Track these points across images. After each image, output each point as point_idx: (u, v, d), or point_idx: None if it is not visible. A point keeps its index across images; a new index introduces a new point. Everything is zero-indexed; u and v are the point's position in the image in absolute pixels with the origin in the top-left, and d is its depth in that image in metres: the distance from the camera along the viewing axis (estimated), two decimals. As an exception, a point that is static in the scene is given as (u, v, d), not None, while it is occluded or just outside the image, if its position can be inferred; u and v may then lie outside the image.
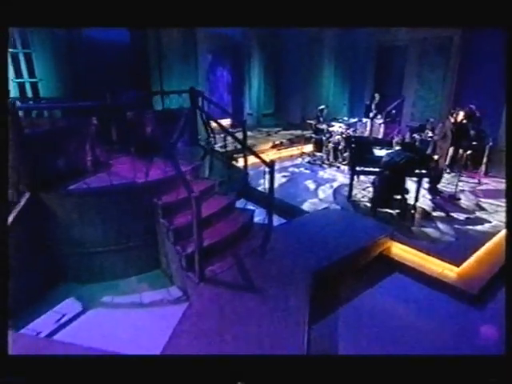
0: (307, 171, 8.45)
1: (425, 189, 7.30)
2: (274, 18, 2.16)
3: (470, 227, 5.90)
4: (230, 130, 11.62)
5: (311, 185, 7.59)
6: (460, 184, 7.12)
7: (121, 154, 5.57)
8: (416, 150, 6.50)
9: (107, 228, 4.43)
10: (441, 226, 5.94)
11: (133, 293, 4.16)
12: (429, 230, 5.76)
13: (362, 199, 6.86)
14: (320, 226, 5.47)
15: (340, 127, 9.09)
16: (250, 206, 5.88)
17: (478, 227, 5.90)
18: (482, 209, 6.65)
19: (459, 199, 7.02)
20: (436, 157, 6.79)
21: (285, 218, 6.45)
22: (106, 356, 1.87)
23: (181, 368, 1.62)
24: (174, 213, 4.59)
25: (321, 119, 9.29)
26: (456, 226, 5.91)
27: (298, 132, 10.55)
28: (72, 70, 6.84)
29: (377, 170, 6.15)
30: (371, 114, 9.40)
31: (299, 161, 9.13)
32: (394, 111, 9.38)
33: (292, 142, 10.07)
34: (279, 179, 7.94)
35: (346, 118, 9.36)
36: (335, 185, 7.54)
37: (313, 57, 10.98)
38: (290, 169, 8.58)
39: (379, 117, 9.54)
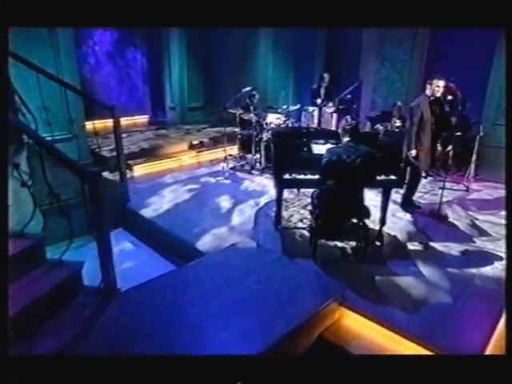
0: (227, 181, 5.93)
1: (395, 203, 4.95)
2: (274, 18, 2.15)
3: (473, 271, 3.55)
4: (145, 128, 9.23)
5: (226, 203, 5.07)
6: (444, 193, 4.81)
7: None
8: (379, 142, 4.12)
9: None
10: (424, 269, 3.56)
11: None
12: (405, 282, 3.36)
13: (301, 224, 4.41)
14: (203, 289, 2.94)
15: (278, 118, 6.68)
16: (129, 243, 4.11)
17: (486, 270, 3.56)
18: (482, 232, 4.35)
19: (446, 217, 4.70)
20: (413, 153, 4.43)
21: (171, 259, 3.98)
22: (105, 356, 1.83)
23: (180, 368, 1.60)
24: None
25: (251, 108, 6.83)
26: (449, 270, 3.55)
27: (233, 129, 8.03)
28: None
29: (315, 177, 3.71)
30: (319, 101, 7.06)
31: (222, 166, 6.60)
32: (348, 96, 7.08)
33: (216, 142, 7.56)
34: (181, 195, 5.37)
35: (284, 106, 6.96)
36: (263, 201, 5.05)
37: (245, 32, 8.52)
38: (204, 178, 6.04)
39: (330, 104, 7.20)
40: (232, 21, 2.24)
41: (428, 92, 4.42)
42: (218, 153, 7.22)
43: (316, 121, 7.18)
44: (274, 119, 6.68)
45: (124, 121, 9.49)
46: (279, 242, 3.97)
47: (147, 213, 4.75)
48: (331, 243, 3.89)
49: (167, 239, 4.26)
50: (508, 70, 2.04)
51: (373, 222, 4.23)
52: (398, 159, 3.92)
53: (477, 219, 4.66)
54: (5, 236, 1.72)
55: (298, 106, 6.99)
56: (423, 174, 5.89)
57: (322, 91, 7.34)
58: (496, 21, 1.94)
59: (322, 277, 3.30)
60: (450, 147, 5.93)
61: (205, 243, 3.98)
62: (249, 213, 4.73)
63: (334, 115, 7.21)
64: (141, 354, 2.02)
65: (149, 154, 6.85)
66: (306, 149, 4.02)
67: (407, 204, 4.84)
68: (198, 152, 7.30)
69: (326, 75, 7.25)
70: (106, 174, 5.40)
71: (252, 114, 6.32)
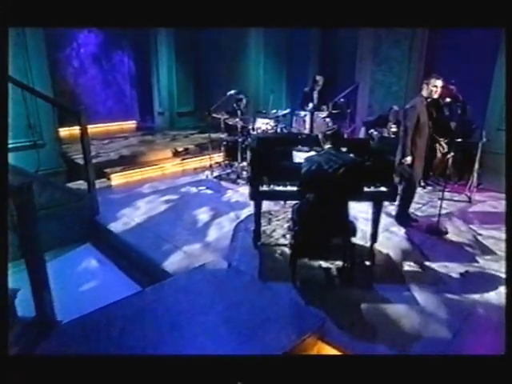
0: (210, 191, 5.52)
1: (389, 216, 4.53)
2: (268, 18, 2.13)
3: (475, 297, 3.10)
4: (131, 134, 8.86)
5: (204, 215, 4.65)
6: (443, 204, 4.38)
7: None
8: (370, 149, 3.70)
9: None
10: (419, 295, 3.11)
11: None
12: (396, 311, 2.92)
13: (283, 240, 3.98)
14: (161, 319, 2.51)
15: (267, 124, 6.28)
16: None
17: (490, 296, 3.12)
18: (486, 250, 3.91)
19: (445, 232, 4.26)
20: (408, 159, 4.00)
21: (139, 279, 3.58)
22: (105, 356, 1.89)
23: (180, 368, 1.60)
24: None
25: (238, 113, 6.44)
26: (447, 296, 3.10)
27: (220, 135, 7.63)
28: None
29: (294, 189, 3.29)
30: (310, 105, 6.62)
31: (206, 175, 6.19)
32: (342, 100, 6.67)
33: (203, 149, 7.16)
34: (157, 206, 4.96)
35: (274, 111, 6.55)
36: (245, 214, 4.63)
37: (235, 33, 8.14)
38: (185, 188, 5.62)
39: (323, 108, 6.79)
40: (224, 20, 2.19)
41: (424, 93, 4.00)
42: (204, 160, 6.81)
43: (308, 126, 6.73)
44: (262, 124, 6.32)
45: (110, 126, 9.33)
46: (256, 261, 3.55)
47: (116, 227, 4.34)
48: (315, 263, 3.46)
49: (134, 257, 3.84)
50: (508, 71, 2.03)
51: (363, 238, 3.82)
52: (389, 168, 3.48)
53: (480, 235, 4.22)
54: (4, 236, 1.75)
55: (287, 111, 6.58)
56: (422, 184, 5.51)
57: (315, 95, 6.89)
58: (496, 21, 1.94)
59: (299, 305, 2.87)
60: (450, 154, 5.48)
61: (173, 262, 3.56)
62: (228, 227, 4.31)
63: (328, 120, 6.78)
64: (141, 354, 2.00)
65: (129, 161, 6.46)
66: (287, 157, 3.59)
67: (402, 217, 4.40)
68: (183, 159, 6.91)
69: (319, 78, 6.80)
70: (80, 182, 5.02)
71: (238, 119, 5.89)
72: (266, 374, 1.66)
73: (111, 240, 4.24)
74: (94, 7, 1.97)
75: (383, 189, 3.41)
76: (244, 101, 6.41)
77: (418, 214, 4.74)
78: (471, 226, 4.45)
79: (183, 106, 9.58)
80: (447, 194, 5.29)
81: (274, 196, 3.56)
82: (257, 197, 3.48)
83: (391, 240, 4.05)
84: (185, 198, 5.27)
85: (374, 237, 3.72)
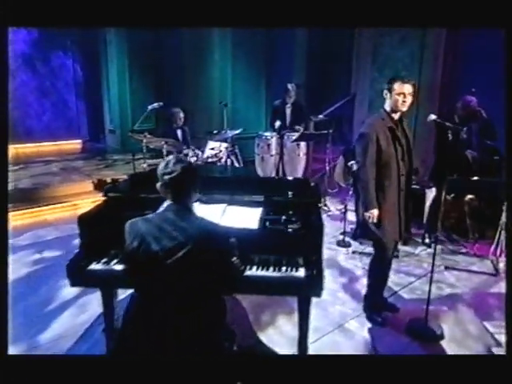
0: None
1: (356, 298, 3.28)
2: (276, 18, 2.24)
3: None
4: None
5: (71, 290, 3.51)
6: (450, 277, 3.17)
7: None
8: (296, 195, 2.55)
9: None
10: None
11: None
12: None
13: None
14: None
15: (219, 147, 5.37)
16: None
17: None
18: None
19: (439, 336, 2.95)
20: (375, 214, 2.90)
21: None
22: (105, 356, 2.13)
23: (180, 368, 1.72)
24: None
25: (178, 132, 5.55)
26: None
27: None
28: None
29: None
30: (277, 124, 5.53)
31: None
32: (320, 116, 5.58)
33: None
34: (19, 268, 3.92)
35: (229, 131, 5.54)
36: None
37: (196, 32, 7.22)
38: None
39: (298, 128, 5.69)
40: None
41: (387, 106, 2.85)
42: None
43: (274, 152, 5.63)
44: (213, 149, 5.44)
45: (44, 147, 8.45)
46: None
47: None
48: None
49: None
50: (508, 71, 2.18)
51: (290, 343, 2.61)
52: (316, 237, 2.28)
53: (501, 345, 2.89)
54: (4, 235, 1.88)
55: (238, 131, 5.52)
56: (426, 240, 4.49)
57: (288, 110, 5.86)
58: (496, 21, 2.10)
59: None
60: (467, 198, 4.27)
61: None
62: (96, 309, 3.18)
63: (302, 146, 5.68)
64: (141, 354, 1.90)
65: (27, 196, 5.47)
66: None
67: (371, 305, 3.15)
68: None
69: (291, 86, 5.75)
70: None
71: (163, 142, 4.85)
72: (266, 374, 1.79)
73: None
74: (95, 7, 2.09)
75: (299, 273, 2.19)
76: (181, 115, 5.61)
77: (405, 295, 3.48)
78: (490, 326, 3.12)
79: (141, 123, 8.60)
80: (461, 259, 4.18)
81: (106, 282, 2.37)
82: (77, 281, 2.33)
83: (340, 346, 2.80)
84: (71, 254, 4.15)
85: (301, 346, 2.50)
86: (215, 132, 5.68)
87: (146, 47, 8.24)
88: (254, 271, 2.20)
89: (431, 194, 4.53)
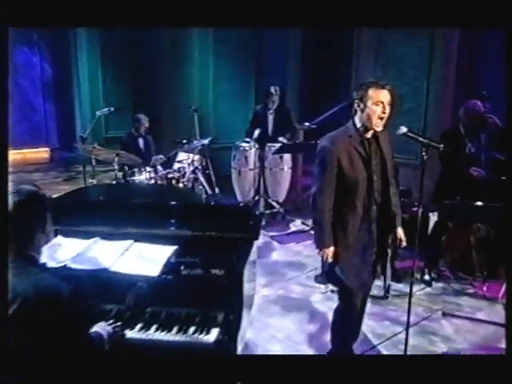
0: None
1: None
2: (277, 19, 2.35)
3: None
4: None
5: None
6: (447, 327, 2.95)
7: None
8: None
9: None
10: None
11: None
12: None
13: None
14: None
15: (187, 159, 5.26)
16: None
17: None
18: None
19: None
20: (329, 253, 2.62)
21: None
22: (106, 356, 2.01)
23: (180, 368, 1.81)
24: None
25: (140, 141, 5.41)
26: None
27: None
28: None
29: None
30: (256, 133, 5.28)
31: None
32: (306, 124, 5.27)
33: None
34: None
35: (196, 141, 5.30)
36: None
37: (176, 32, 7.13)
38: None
39: (281, 139, 5.40)
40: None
41: (358, 121, 2.52)
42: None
43: (252, 166, 5.35)
44: (182, 161, 5.31)
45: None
46: None
47: None
48: None
49: None
50: (508, 71, 2.23)
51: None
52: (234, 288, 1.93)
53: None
54: (5, 235, 1.66)
55: (206, 140, 5.28)
56: (426, 277, 4.13)
57: (271, 116, 5.61)
58: (496, 21, 2.24)
59: None
60: (473, 226, 3.98)
61: None
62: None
63: (287, 158, 5.38)
64: (141, 354, 2.03)
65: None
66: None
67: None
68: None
69: (273, 89, 5.51)
70: None
71: (114, 154, 4.63)
72: (266, 374, 1.87)
73: None
74: (97, 6, 2.20)
75: (207, 338, 1.84)
76: (144, 122, 5.45)
77: (384, 351, 3.14)
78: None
79: (114, 129, 8.49)
80: (466, 302, 3.80)
81: None
82: None
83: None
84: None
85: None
86: (185, 141, 5.37)
87: (119, 41, 8.11)
88: (143, 333, 1.87)
89: (434, 219, 4.22)
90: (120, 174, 4.64)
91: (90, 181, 4.95)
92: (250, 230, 2.32)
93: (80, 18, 2.29)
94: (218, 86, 7.36)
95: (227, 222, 2.34)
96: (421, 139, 2.54)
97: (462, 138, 3.99)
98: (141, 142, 5.42)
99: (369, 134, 2.50)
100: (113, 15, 2.25)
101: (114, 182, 4.70)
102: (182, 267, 2.09)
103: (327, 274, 2.78)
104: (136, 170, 4.68)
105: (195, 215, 2.35)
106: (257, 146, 5.38)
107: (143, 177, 4.65)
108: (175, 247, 2.17)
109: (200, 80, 7.22)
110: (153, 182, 4.61)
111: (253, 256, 2.32)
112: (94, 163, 4.91)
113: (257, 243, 2.47)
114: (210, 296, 1.97)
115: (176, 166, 5.23)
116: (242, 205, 4.45)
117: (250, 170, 5.47)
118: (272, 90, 5.52)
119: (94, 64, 8.14)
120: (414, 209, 4.21)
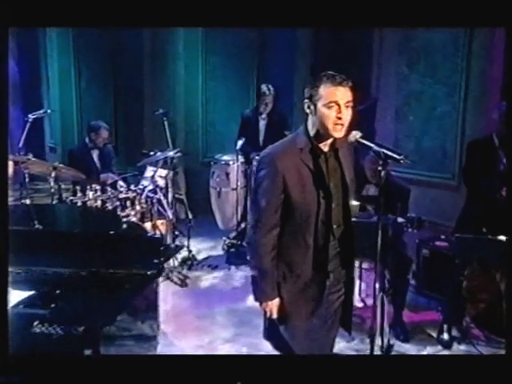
0: None
1: None
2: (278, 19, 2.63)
3: None
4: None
5: None
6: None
7: None
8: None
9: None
10: None
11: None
12: None
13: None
14: None
15: (145, 178, 5.19)
16: None
17: None
18: None
19: None
20: (273, 306, 2.43)
21: None
22: (106, 356, 2.48)
23: (180, 368, 2.09)
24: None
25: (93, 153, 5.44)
26: None
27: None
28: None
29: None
30: (240, 143, 5.12)
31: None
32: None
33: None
34: None
35: (159, 153, 5.11)
36: None
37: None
38: None
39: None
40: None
41: (311, 128, 2.34)
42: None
43: (235, 186, 5.22)
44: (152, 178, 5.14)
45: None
46: None
47: None
48: None
49: None
50: (508, 71, 2.70)
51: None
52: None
53: None
54: (4, 232, 2.09)
55: (172, 152, 5.04)
56: (445, 336, 3.90)
57: (262, 122, 5.46)
58: (496, 21, 2.59)
59: None
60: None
61: None
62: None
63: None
64: (141, 354, 2.62)
65: None
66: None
67: None
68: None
69: (266, 88, 5.39)
70: None
71: (51, 168, 4.45)
72: (266, 374, 2.11)
73: None
74: (98, 6, 2.43)
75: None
76: (102, 131, 5.36)
77: None
78: None
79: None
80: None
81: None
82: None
83: None
84: None
85: None
86: (151, 153, 5.18)
87: (96, 35, 7.99)
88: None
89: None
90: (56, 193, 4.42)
91: (23, 201, 4.70)
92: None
93: (80, 18, 2.47)
94: (210, 87, 7.28)
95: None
96: (376, 148, 2.31)
97: (495, 151, 3.83)
98: (95, 154, 5.24)
99: (326, 146, 2.25)
100: (113, 15, 2.46)
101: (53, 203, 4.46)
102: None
103: (269, 334, 2.54)
104: (78, 188, 4.43)
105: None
106: (241, 159, 5.09)
107: (88, 197, 4.36)
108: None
109: (186, 80, 7.16)
110: (95, 203, 4.34)
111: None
112: (27, 180, 4.64)
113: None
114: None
115: (144, 183, 5.02)
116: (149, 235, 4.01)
117: (233, 189, 5.34)
118: (264, 88, 5.33)
119: (66, 63, 8.14)
120: (438, 243, 4.21)
